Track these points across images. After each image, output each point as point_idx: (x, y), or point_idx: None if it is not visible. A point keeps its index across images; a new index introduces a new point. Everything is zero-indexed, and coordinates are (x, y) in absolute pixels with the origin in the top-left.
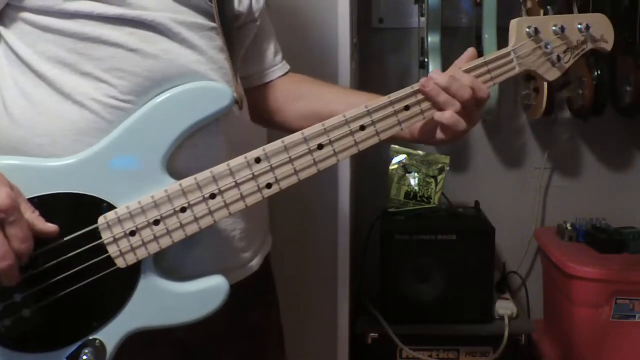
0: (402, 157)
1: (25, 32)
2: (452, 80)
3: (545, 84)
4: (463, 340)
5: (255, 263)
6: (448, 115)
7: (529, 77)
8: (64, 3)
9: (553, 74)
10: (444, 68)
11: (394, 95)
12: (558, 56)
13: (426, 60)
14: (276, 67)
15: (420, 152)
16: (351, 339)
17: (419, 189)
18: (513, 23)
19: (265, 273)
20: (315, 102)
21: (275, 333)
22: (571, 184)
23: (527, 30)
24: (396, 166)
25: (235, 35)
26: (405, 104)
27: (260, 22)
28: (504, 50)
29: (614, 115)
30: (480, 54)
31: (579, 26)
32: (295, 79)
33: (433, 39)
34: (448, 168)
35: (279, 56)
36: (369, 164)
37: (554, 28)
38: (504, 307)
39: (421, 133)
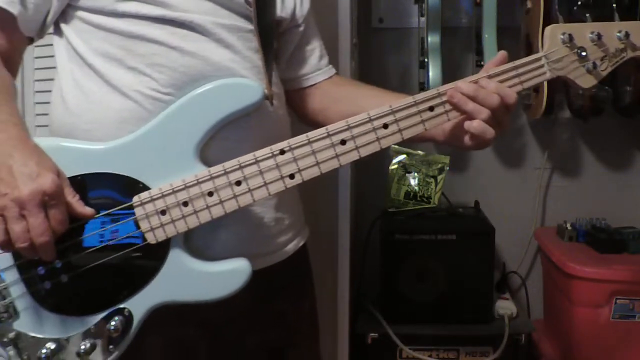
0: (402, 157)
1: (81, 29)
2: (479, 89)
3: (545, 83)
4: (463, 340)
5: (285, 252)
6: (476, 125)
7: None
8: (114, 4)
9: (588, 82)
10: (444, 68)
11: (419, 96)
12: (594, 63)
13: (426, 60)
14: (320, 70)
15: (420, 152)
16: (351, 339)
17: (419, 189)
18: (547, 30)
19: (299, 263)
20: (354, 104)
21: (307, 324)
22: (571, 184)
23: (562, 37)
24: (396, 166)
25: (274, 37)
26: (430, 105)
27: (305, 27)
28: (535, 56)
29: (614, 115)
30: (480, 53)
31: (618, 34)
32: (339, 81)
33: (433, 39)
34: (448, 168)
35: (324, 60)
36: (369, 164)
37: (590, 35)
38: (504, 307)
39: (451, 136)
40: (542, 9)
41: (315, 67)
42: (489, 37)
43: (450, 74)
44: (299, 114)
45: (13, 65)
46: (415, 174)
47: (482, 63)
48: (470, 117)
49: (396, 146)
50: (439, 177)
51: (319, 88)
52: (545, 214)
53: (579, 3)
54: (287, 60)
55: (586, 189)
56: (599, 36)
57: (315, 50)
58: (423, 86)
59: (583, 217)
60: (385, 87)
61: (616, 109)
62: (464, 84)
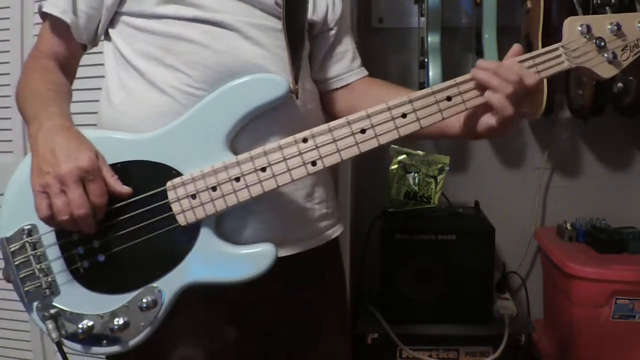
0: (402, 157)
1: (126, 33)
2: (501, 65)
3: (545, 83)
4: (463, 340)
5: (315, 240)
6: (497, 97)
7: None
8: (154, 7)
9: (609, 71)
10: (444, 68)
11: (436, 87)
12: (614, 53)
13: (426, 60)
14: (352, 72)
15: (420, 152)
16: (351, 339)
17: (419, 189)
18: (566, 22)
19: (328, 255)
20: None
21: (335, 315)
22: (571, 184)
23: (580, 28)
24: (396, 166)
25: (303, 37)
26: (448, 94)
27: (337, 30)
28: (553, 46)
29: (614, 115)
30: (480, 53)
31: (639, 24)
32: (371, 82)
33: (433, 39)
34: (448, 168)
35: (357, 62)
36: (369, 164)
37: (609, 26)
38: (504, 307)
39: (465, 126)
40: (542, 9)
41: (348, 68)
42: (489, 37)
43: (450, 74)
44: (334, 115)
45: (70, 71)
46: (415, 174)
47: None
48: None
49: (396, 146)
50: (439, 177)
51: (350, 89)
52: (545, 214)
53: (598, 2)
54: (320, 62)
55: (586, 189)
56: (619, 26)
57: (347, 53)
58: (423, 86)
59: (583, 217)
60: None
61: (616, 109)
62: (484, 62)
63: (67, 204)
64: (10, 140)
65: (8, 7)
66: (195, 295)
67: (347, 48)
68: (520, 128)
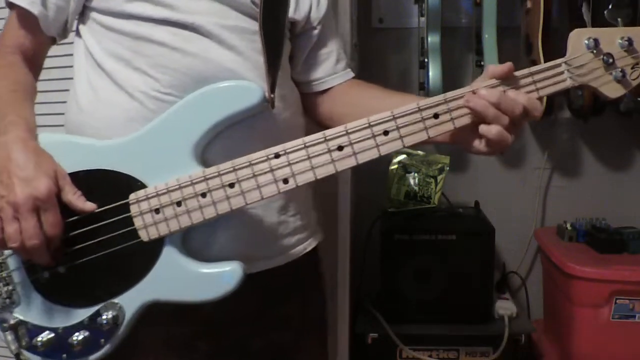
0: (402, 157)
1: (95, 30)
2: (502, 96)
3: None
4: (463, 340)
5: (290, 255)
6: (495, 131)
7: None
8: (123, 5)
9: (616, 91)
10: (444, 68)
11: (423, 103)
12: (623, 71)
13: (426, 60)
14: (337, 74)
15: (420, 152)
16: (351, 339)
17: (419, 189)
18: (572, 34)
19: (307, 267)
20: (371, 109)
21: (314, 329)
22: (571, 184)
23: (586, 42)
24: (396, 166)
25: (283, 39)
26: (435, 112)
27: (321, 30)
28: (555, 62)
29: (614, 115)
30: (480, 54)
31: None
32: (356, 85)
33: (433, 39)
34: (448, 168)
35: (341, 64)
36: (369, 164)
37: (619, 41)
38: (504, 307)
39: (454, 140)
40: (542, 9)
41: (331, 70)
42: (489, 37)
43: (450, 74)
44: (314, 118)
45: (37, 66)
46: (415, 174)
47: (482, 63)
48: (487, 123)
49: None
50: (439, 177)
51: (334, 92)
52: (545, 214)
53: (610, 7)
54: (303, 63)
55: (586, 189)
56: (630, 41)
57: (332, 54)
58: (423, 86)
59: (583, 217)
60: (385, 87)
61: (616, 109)
62: (487, 91)
63: (18, 232)
64: None
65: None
66: (169, 311)
67: (331, 49)
68: (521, 128)
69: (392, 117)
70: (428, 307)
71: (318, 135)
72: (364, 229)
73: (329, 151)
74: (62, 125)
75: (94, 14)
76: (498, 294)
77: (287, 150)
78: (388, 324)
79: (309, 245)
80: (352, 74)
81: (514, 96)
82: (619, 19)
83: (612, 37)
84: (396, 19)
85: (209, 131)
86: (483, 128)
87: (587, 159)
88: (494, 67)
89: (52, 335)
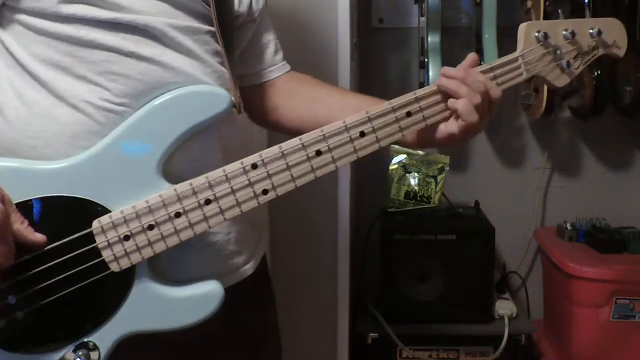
0: (402, 157)
1: (20, 33)
2: (468, 73)
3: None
4: (463, 340)
5: (250, 266)
6: (462, 102)
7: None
8: (57, 6)
9: (562, 80)
10: None
11: (396, 102)
12: (568, 62)
13: (426, 60)
14: (275, 66)
15: (420, 152)
16: (351, 339)
17: (419, 189)
18: (522, 27)
19: (261, 275)
20: (311, 104)
21: (272, 336)
22: (571, 184)
23: (537, 35)
24: (396, 166)
25: (234, 37)
26: (408, 110)
27: (260, 21)
28: (511, 56)
29: (614, 115)
30: (480, 53)
31: (591, 31)
32: (295, 79)
33: (433, 39)
34: (448, 168)
35: (279, 55)
36: (369, 164)
37: (564, 33)
38: (504, 307)
39: (419, 137)
40: (542, 8)
41: (270, 62)
42: (489, 37)
43: None
44: (250, 113)
45: None
46: (415, 174)
47: (482, 63)
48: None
49: (396, 146)
50: (439, 177)
51: (273, 85)
52: (545, 214)
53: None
54: (240, 55)
55: (586, 189)
56: (573, 34)
57: (269, 45)
58: (423, 86)
59: (583, 217)
60: (385, 87)
61: (616, 109)
62: (450, 70)
63: None
64: None
65: None
66: (133, 339)
67: (268, 39)
68: (520, 128)
69: (367, 118)
70: (428, 307)
71: (294, 142)
72: (364, 228)
73: (308, 158)
74: None
75: (18, 15)
76: (498, 294)
77: (265, 161)
78: (388, 324)
79: (261, 252)
80: (289, 67)
81: (475, 75)
82: (559, 11)
83: (558, 30)
84: (396, 19)
85: (174, 143)
86: (451, 100)
87: (587, 159)
88: (463, 63)
89: None
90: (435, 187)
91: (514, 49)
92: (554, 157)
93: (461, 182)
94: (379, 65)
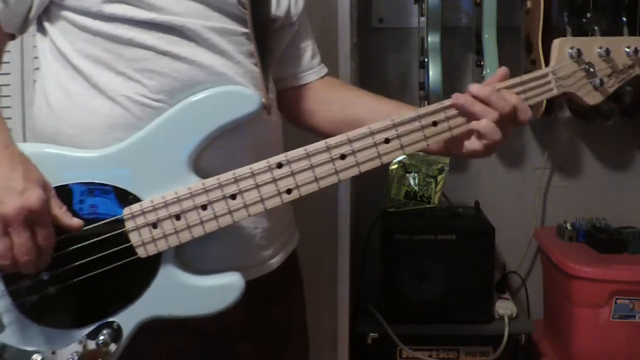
0: (402, 157)
1: (66, 29)
2: (493, 92)
3: None
4: (463, 340)
5: (276, 261)
6: (484, 124)
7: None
8: (100, 5)
9: (595, 98)
10: (444, 68)
11: (422, 111)
12: (601, 80)
13: (426, 60)
14: (312, 70)
15: (420, 152)
16: (351, 339)
17: (419, 189)
18: (555, 43)
19: (289, 271)
20: (344, 108)
21: (299, 334)
22: (571, 184)
23: (570, 51)
24: (396, 166)
25: (270, 40)
26: (434, 119)
27: (298, 25)
28: (542, 71)
29: (614, 115)
30: (480, 54)
31: (627, 50)
32: (331, 83)
33: (433, 39)
34: (448, 168)
35: (316, 59)
36: None
37: (599, 50)
38: (504, 307)
39: (445, 147)
40: (542, 9)
41: (307, 66)
42: (489, 37)
43: (450, 74)
44: (287, 114)
45: None
46: (415, 174)
47: (482, 63)
48: (477, 119)
49: None
50: (439, 177)
51: (309, 88)
52: (545, 214)
53: (588, 16)
54: (279, 59)
55: (586, 189)
56: (608, 52)
57: (307, 49)
58: (423, 86)
59: (583, 217)
60: (385, 87)
61: (616, 109)
62: (477, 87)
63: (9, 248)
64: None
65: None
66: (158, 324)
67: (307, 44)
68: (520, 128)
69: (392, 125)
70: (428, 307)
71: (320, 144)
72: (364, 228)
73: (332, 160)
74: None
75: (65, 12)
76: (498, 294)
77: (290, 160)
78: (388, 324)
79: (292, 246)
80: (326, 70)
81: (505, 94)
82: (596, 28)
83: (592, 47)
84: (396, 19)
85: (204, 140)
86: (474, 123)
87: (587, 159)
88: (492, 76)
89: (43, 358)
90: (435, 187)
91: (514, 49)
92: (554, 157)
93: (461, 182)
94: (379, 65)
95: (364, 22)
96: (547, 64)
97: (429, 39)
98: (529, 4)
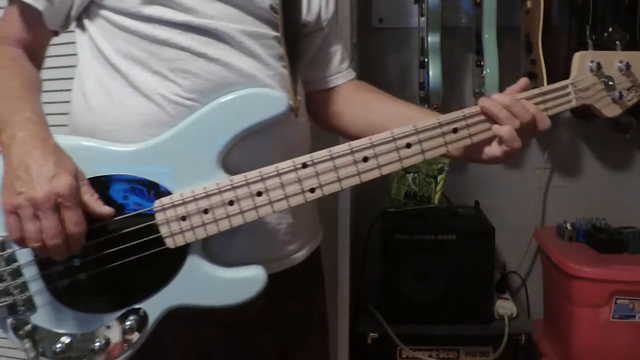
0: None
1: (104, 28)
2: (515, 100)
3: (545, 80)
4: (463, 340)
5: (299, 256)
6: (506, 130)
7: (529, 76)
8: (139, 7)
9: (613, 111)
10: (444, 68)
11: (444, 118)
12: (620, 93)
13: (426, 60)
14: (340, 74)
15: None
16: (351, 339)
17: (419, 189)
18: (576, 56)
19: (311, 266)
20: (368, 111)
21: (318, 325)
22: (571, 184)
23: (590, 64)
24: None
25: (300, 43)
26: (454, 127)
27: (328, 30)
28: (562, 83)
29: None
30: (480, 54)
31: None
32: (358, 87)
33: (433, 39)
34: (448, 168)
35: (345, 63)
36: None
37: (619, 64)
38: (504, 307)
39: (465, 152)
40: (542, 9)
41: (336, 70)
42: (489, 37)
43: (450, 74)
44: (314, 116)
45: (38, 59)
46: (415, 174)
47: (482, 63)
48: (500, 124)
49: None
50: (439, 177)
51: (337, 91)
52: (545, 214)
53: (610, 30)
54: (309, 62)
55: (586, 189)
56: (628, 66)
57: (336, 53)
58: (423, 86)
59: (583, 217)
60: (385, 87)
61: None
62: (499, 95)
63: (39, 231)
64: None
65: None
66: (183, 314)
67: (336, 49)
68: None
69: (415, 131)
70: (428, 307)
71: (344, 147)
72: (364, 229)
73: (355, 162)
74: (65, 126)
75: (104, 12)
76: (498, 294)
77: (315, 161)
78: (388, 324)
79: (316, 243)
80: (354, 74)
81: (525, 104)
82: (617, 42)
83: (613, 61)
84: (396, 19)
85: (234, 138)
86: (496, 127)
87: (587, 159)
88: (514, 86)
89: (71, 340)
90: (435, 187)
91: (514, 49)
92: (554, 157)
93: (461, 182)
94: (379, 65)
95: (364, 22)
96: (547, 64)
97: (429, 39)
98: (529, 4)
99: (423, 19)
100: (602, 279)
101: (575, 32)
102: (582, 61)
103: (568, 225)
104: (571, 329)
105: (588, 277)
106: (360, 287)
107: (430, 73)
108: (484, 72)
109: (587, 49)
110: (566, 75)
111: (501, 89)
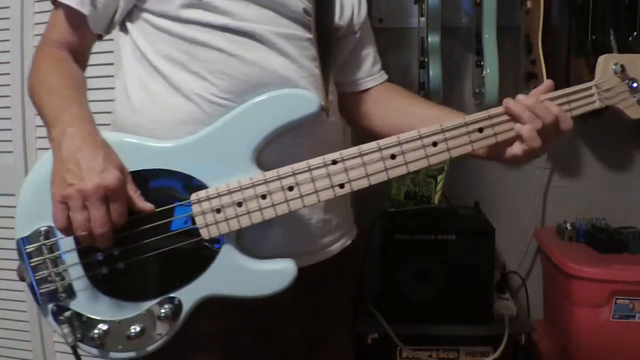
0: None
1: (146, 31)
2: (538, 101)
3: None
4: (463, 340)
5: (330, 250)
6: (527, 129)
7: (529, 76)
8: (178, 10)
9: (636, 112)
10: (444, 68)
11: (469, 118)
12: None
13: (426, 60)
14: (372, 77)
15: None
16: (351, 339)
17: (419, 189)
18: (601, 59)
19: (343, 261)
20: (397, 113)
21: (345, 318)
22: (571, 184)
23: (614, 67)
24: None
25: (332, 46)
26: (479, 126)
27: (361, 34)
28: (586, 84)
29: (614, 115)
30: (480, 54)
31: None
32: (390, 89)
33: (433, 39)
34: (448, 168)
35: (377, 66)
36: None
37: None
38: (504, 307)
39: (489, 151)
40: (542, 9)
41: (368, 72)
42: (489, 37)
43: (450, 74)
44: (346, 117)
45: (83, 61)
46: (415, 174)
47: (481, 63)
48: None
49: None
50: (439, 177)
51: (368, 94)
52: (545, 214)
53: (635, 34)
54: (342, 65)
55: (586, 189)
56: None
57: (369, 56)
58: (423, 86)
59: (583, 217)
60: None
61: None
62: (523, 96)
63: (87, 220)
64: (10, 141)
65: (8, 7)
66: (215, 304)
67: (368, 52)
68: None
69: (441, 130)
70: (428, 307)
71: (372, 145)
72: (364, 228)
73: (383, 159)
74: (108, 125)
75: (146, 15)
76: (498, 294)
77: (344, 158)
78: (388, 324)
79: (347, 241)
80: (386, 76)
81: (548, 105)
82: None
83: (637, 63)
84: (396, 19)
85: (268, 136)
86: (517, 125)
87: (587, 159)
88: (538, 88)
89: (109, 327)
90: (435, 187)
91: (514, 49)
92: (554, 157)
93: (461, 182)
94: None
95: None
96: (547, 64)
97: (429, 39)
98: (529, 4)
99: (423, 19)
100: (602, 279)
101: (575, 32)
102: (606, 64)
103: (568, 225)
104: (571, 329)
105: (588, 277)
106: (360, 287)
107: (430, 73)
108: (484, 72)
109: (587, 49)
110: (566, 75)
111: (501, 89)
